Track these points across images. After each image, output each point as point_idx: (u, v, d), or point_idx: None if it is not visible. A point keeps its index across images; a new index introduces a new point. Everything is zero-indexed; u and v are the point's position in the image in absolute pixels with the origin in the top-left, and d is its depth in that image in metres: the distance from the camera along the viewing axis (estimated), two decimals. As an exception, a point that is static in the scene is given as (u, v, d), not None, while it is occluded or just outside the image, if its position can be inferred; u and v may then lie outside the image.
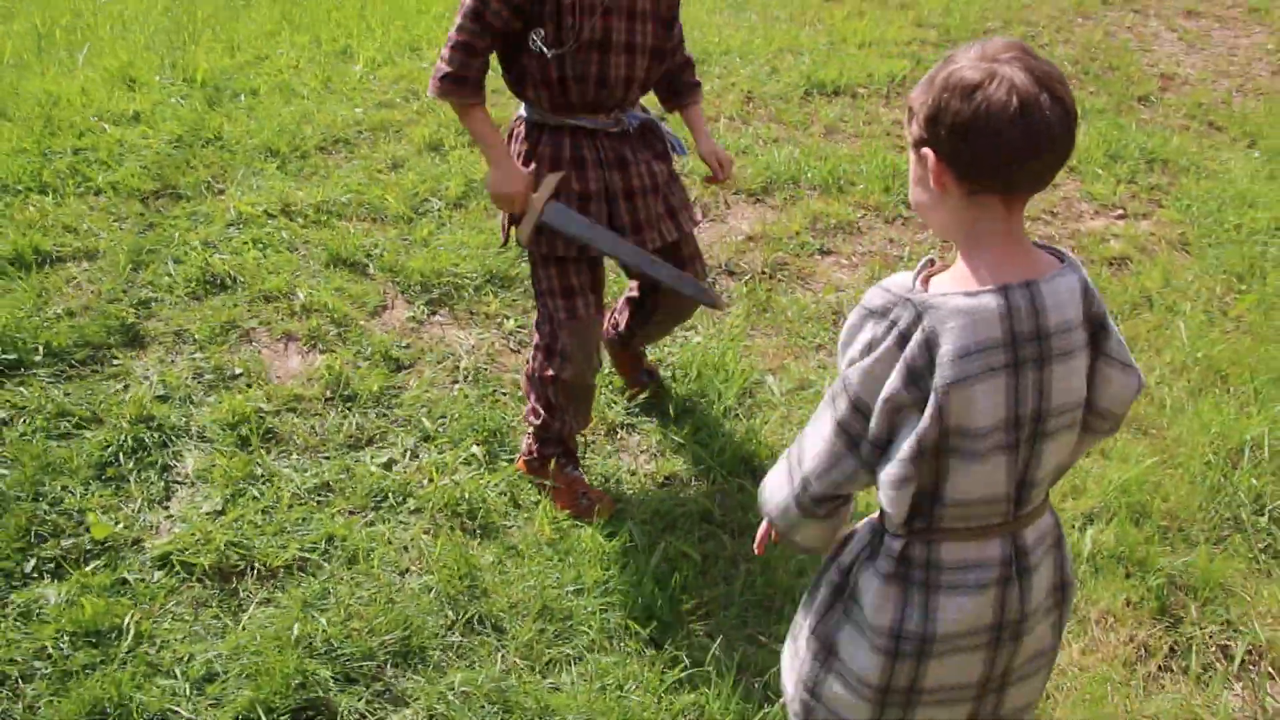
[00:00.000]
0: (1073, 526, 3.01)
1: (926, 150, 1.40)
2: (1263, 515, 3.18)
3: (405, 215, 4.14)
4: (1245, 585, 2.94)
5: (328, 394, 3.25)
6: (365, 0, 6.71)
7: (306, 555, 2.71)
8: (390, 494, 2.91)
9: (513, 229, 2.80)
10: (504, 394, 3.35)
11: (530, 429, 2.95)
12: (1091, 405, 1.51)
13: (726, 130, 5.07)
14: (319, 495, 2.91)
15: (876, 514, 1.61)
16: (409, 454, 3.07)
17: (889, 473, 1.44)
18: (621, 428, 3.26)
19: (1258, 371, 3.89)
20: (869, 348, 1.42)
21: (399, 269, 3.83)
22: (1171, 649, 2.72)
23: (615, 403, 3.34)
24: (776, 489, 1.59)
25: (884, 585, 1.56)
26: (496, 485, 2.96)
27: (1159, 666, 2.68)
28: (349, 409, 3.21)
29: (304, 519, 2.81)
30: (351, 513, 2.86)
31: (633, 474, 3.08)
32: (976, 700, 1.67)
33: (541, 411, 2.90)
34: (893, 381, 1.39)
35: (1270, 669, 2.71)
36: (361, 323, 3.58)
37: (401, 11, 6.39)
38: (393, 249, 3.93)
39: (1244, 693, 2.64)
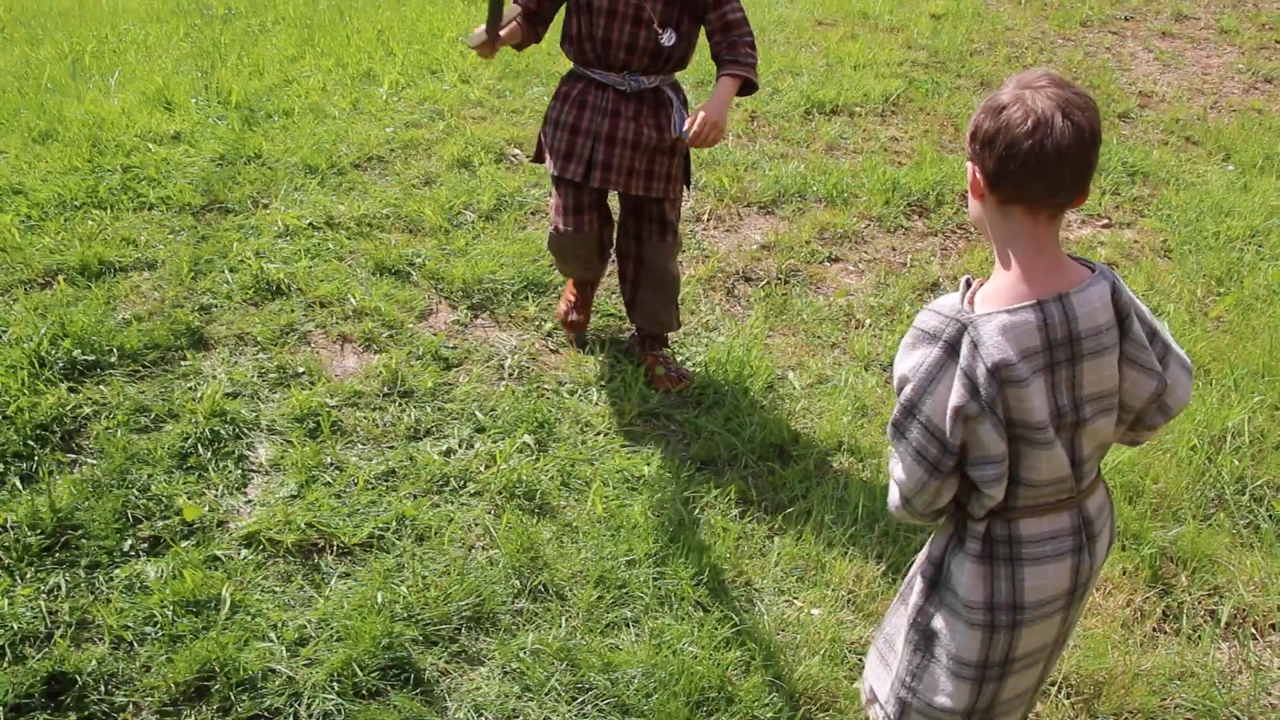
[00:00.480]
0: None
1: (969, 162, 1.66)
2: (1244, 494, 3.49)
3: (442, 227, 4.42)
4: (1230, 556, 3.24)
5: (385, 390, 3.52)
6: (383, 26, 6.99)
7: (381, 533, 2.97)
8: (452, 479, 3.18)
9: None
10: (548, 389, 3.62)
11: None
12: (1120, 398, 1.74)
13: (735, 147, 5.37)
14: (386, 480, 3.17)
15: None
16: (465, 444, 3.34)
17: (987, 473, 1.66)
18: (660, 415, 3.54)
19: (1236, 366, 4.20)
20: (926, 367, 1.64)
21: (441, 276, 4.10)
22: (1164, 613, 3.01)
23: (651, 396, 3.62)
24: (891, 497, 1.81)
25: (975, 564, 1.79)
26: (548, 470, 3.24)
27: (1154, 628, 2.97)
28: (406, 403, 3.48)
29: (374, 501, 3.08)
30: (418, 496, 3.12)
31: (672, 459, 3.36)
32: (1048, 660, 1.93)
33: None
34: (957, 393, 1.61)
35: (1254, 629, 3.01)
36: (410, 325, 3.85)
37: (418, 36, 6.68)
38: (434, 258, 4.20)
39: (1230, 650, 2.94)
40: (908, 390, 1.66)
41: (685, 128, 3.25)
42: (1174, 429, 3.72)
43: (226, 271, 4.03)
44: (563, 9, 3.41)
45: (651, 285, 3.63)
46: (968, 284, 1.69)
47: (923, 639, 1.90)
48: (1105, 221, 5.37)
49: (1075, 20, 8.35)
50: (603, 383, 3.68)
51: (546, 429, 3.43)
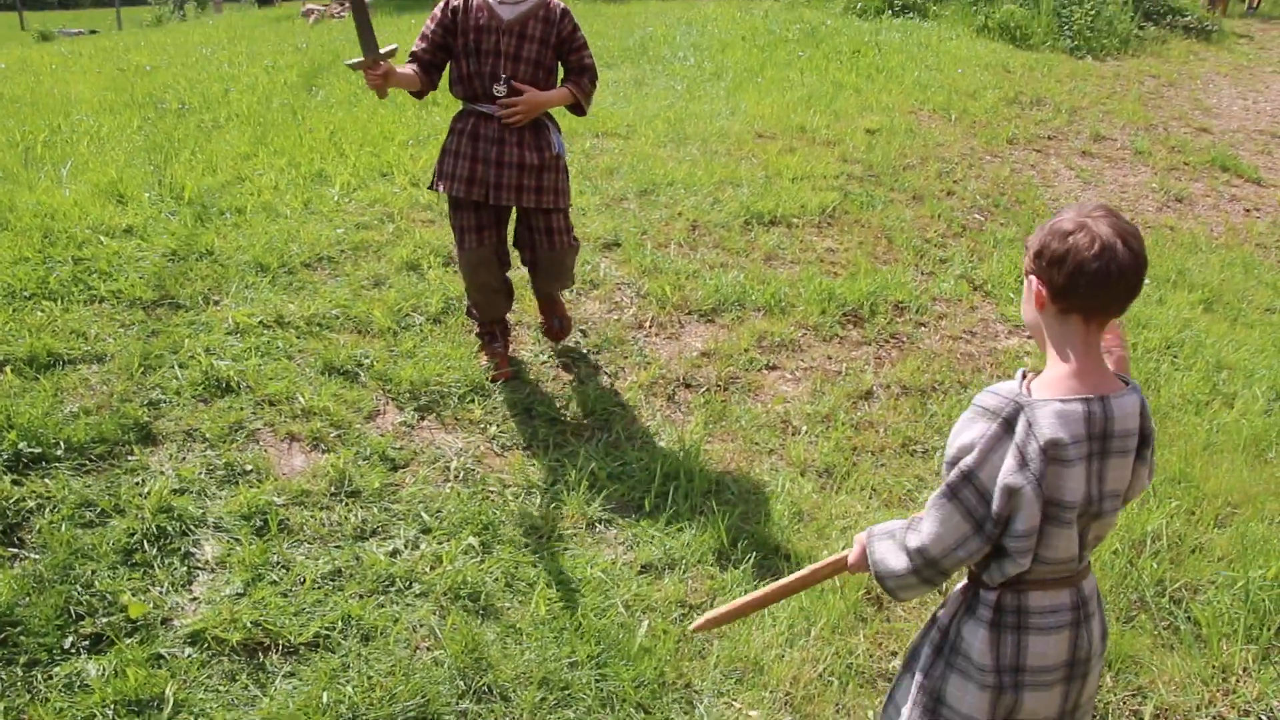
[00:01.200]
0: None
1: (1032, 277, 1.92)
2: (1164, 596, 3.67)
3: (391, 329, 4.52)
4: (1152, 657, 3.39)
5: (332, 489, 3.58)
6: (335, 127, 7.15)
7: (326, 633, 3.01)
8: (398, 579, 3.23)
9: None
10: (493, 491, 3.71)
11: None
12: (1124, 494, 2.00)
13: (677, 255, 5.57)
14: (333, 580, 3.22)
15: (965, 579, 2.08)
16: (411, 544, 3.41)
17: (1021, 545, 1.89)
18: (600, 522, 3.64)
19: (1155, 473, 4.42)
20: (986, 439, 1.87)
21: (389, 377, 4.19)
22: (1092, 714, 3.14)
23: (593, 500, 3.72)
24: (892, 562, 2.02)
25: (986, 631, 2.00)
26: (493, 572, 3.31)
27: (1075, 731, 3.10)
28: (353, 503, 3.54)
29: (320, 600, 3.12)
30: (364, 596, 3.17)
31: (613, 562, 3.45)
32: None
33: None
34: (1008, 466, 1.84)
35: (1170, 731, 3.15)
36: (358, 425, 3.93)
37: (370, 139, 6.85)
38: (382, 359, 4.29)
39: (1146, 753, 3.08)
40: (968, 458, 1.89)
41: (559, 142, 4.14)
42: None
43: (176, 367, 4.08)
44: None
45: (547, 276, 4.38)
46: (1024, 375, 1.95)
47: (931, 701, 2.10)
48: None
49: (1002, 138, 8.78)
50: (546, 486, 3.78)
51: (491, 530, 3.50)
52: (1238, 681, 3.38)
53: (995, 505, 1.86)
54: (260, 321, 4.45)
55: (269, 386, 4.03)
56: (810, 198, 6.51)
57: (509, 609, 3.20)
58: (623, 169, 6.67)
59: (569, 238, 4.31)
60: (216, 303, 4.60)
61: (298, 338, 4.38)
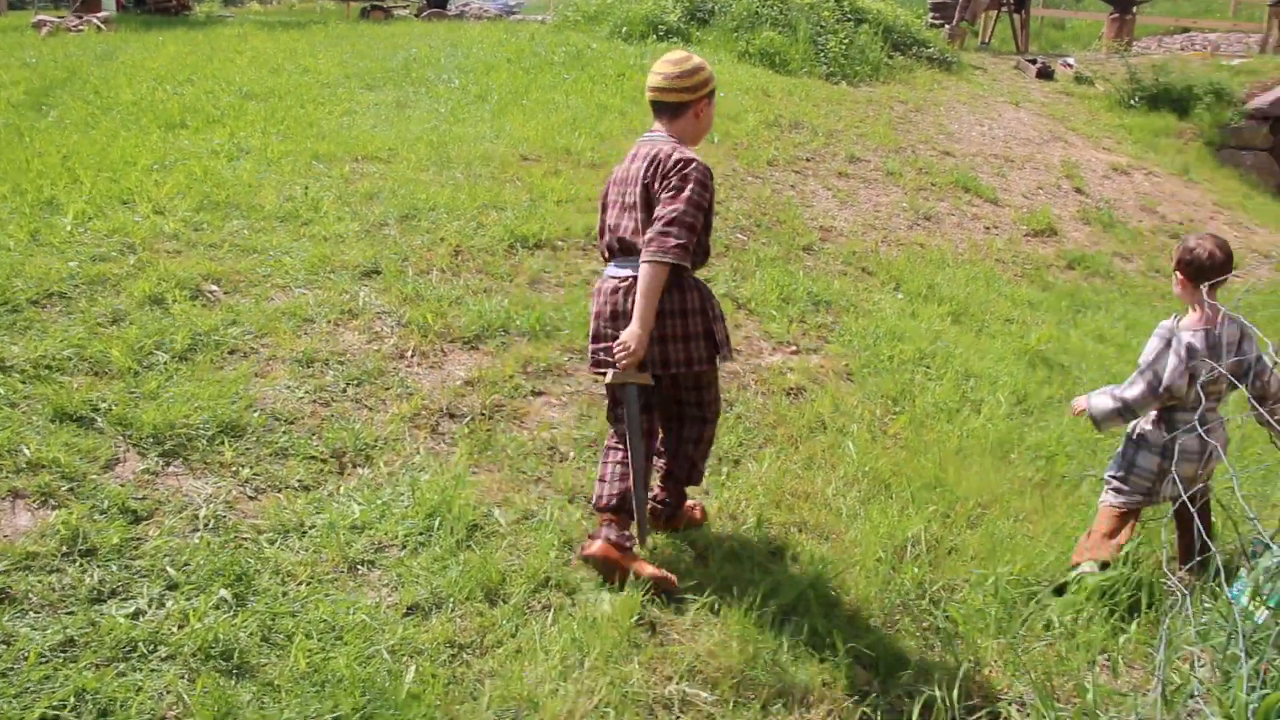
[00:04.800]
0: (771, 622, 3.52)
1: (1177, 270, 4.07)
2: (924, 598, 3.85)
3: (131, 369, 4.22)
4: (915, 657, 3.55)
5: (64, 549, 3.30)
6: (69, 151, 6.67)
7: (56, 713, 2.75)
8: (140, 644, 3.00)
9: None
10: (246, 538, 3.51)
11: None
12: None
13: (439, 281, 5.46)
14: (64, 651, 2.95)
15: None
16: (155, 603, 3.17)
17: (1178, 384, 3.90)
18: (362, 564, 3.51)
19: (913, 480, 4.65)
20: (1158, 349, 3.94)
21: (129, 421, 3.91)
22: (861, 716, 3.25)
23: (354, 541, 3.58)
24: (1103, 407, 4.05)
25: (1155, 429, 4.07)
26: (247, 626, 3.12)
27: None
28: (88, 563, 3.27)
29: (49, 676, 2.86)
30: (100, 665, 2.92)
31: (377, 605, 3.32)
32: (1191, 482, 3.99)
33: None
34: (1172, 361, 3.89)
35: (929, 727, 3.30)
36: (94, 476, 3.64)
37: (109, 164, 6.41)
38: (121, 402, 4.00)
39: (905, 752, 3.21)
40: (1148, 357, 3.97)
41: None
42: (862, 542, 4.06)
43: (-122, 423, 3.68)
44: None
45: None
46: (1175, 318, 4.05)
47: (1126, 464, 4.16)
48: (794, 348, 5.82)
49: (763, 160, 9.09)
50: (304, 529, 3.61)
51: (245, 581, 3.31)
52: (990, 672, 3.58)
53: (1166, 378, 3.90)
54: (-22, 367, 4.08)
55: (-11, 439, 3.69)
56: (575, 220, 6.53)
57: (265, 665, 3.03)
58: (383, 194, 6.50)
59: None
60: (-73, 349, 4.19)
61: (23, 383, 4.03)
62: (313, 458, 4.00)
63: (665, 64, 3.63)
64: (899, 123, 11.64)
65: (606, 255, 3.72)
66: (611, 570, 3.57)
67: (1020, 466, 5.14)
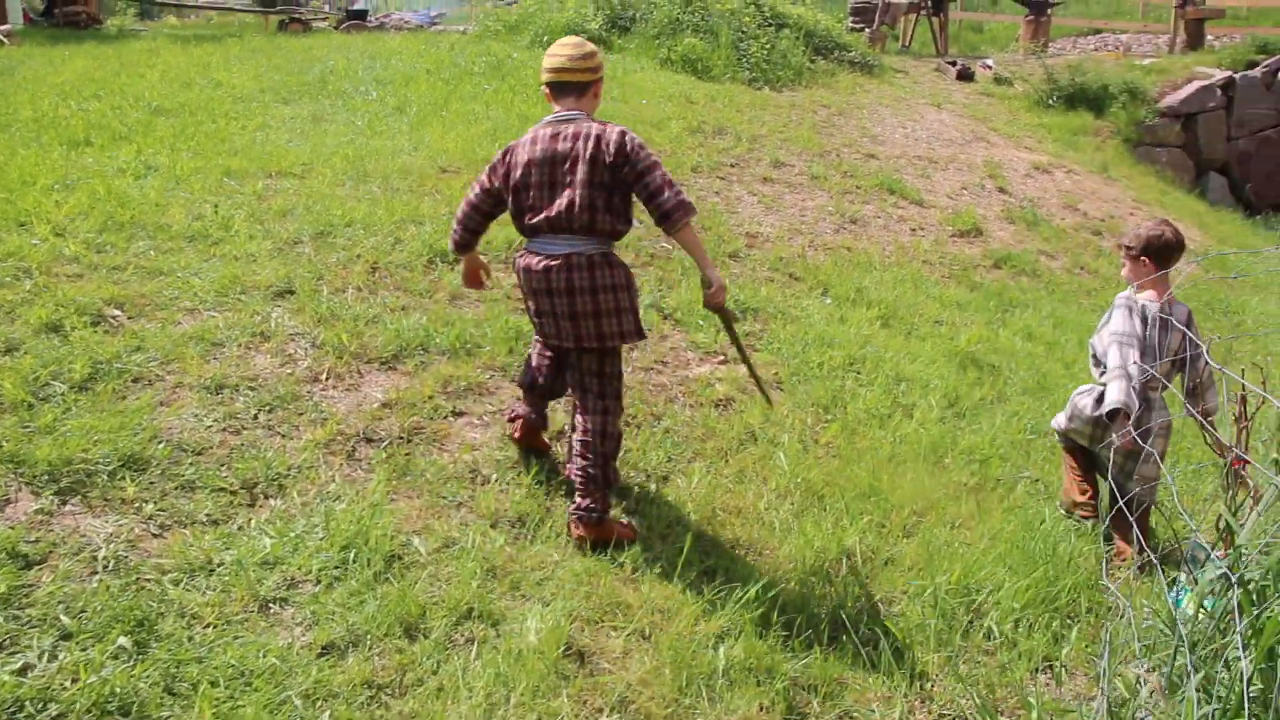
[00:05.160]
0: (705, 646, 3.41)
1: (1134, 250, 4.49)
2: (862, 614, 3.76)
3: (25, 401, 3.99)
4: (855, 676, 3.47)
5: (-52, 600, 3.09)
6: (-41, 172, 6.37)
7: (-64, 777, 2.56)
8: (28, 702, 2.80)
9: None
10: (149, 580, 3.32)
11: (608, 487, 3.98)
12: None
13: (355, 299, 5.28)
14: (-55, 711, 2.75)
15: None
16: (46, 656, 2.97)
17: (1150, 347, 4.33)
18: (274, 602, 3.33)
19: (846, 490, 4.57)
20: (1125, 316, 4.27)
21: (21, 458, 3.69)
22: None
23: (266, 578, 3.40)
24: (1123, 396, 4.10)
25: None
26: (149, 676, 2.94)
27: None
28: (-26, 614, 3.06)
29: (-71, 738, 2.66)
30: (-15, 725, 2.73)
31: (290, 647, 3.15)
32: None
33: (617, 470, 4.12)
34: (1137, 325, 4.27)
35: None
36: (-18, 520, 3.42)
37: (4, 184, 6.11)
38: (13, 438, 3.78)
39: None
40: (1125, 325, 4.28)
41: None
42: (796, 557, 3.98)
43: None
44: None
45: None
46: (1134, 289, 4.41)
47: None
48: (722, 358, 5.72)
49: (687, 167, 9.01)
50: (211, 567, 3.43)
51: (147, 627, 3.12)
52: (933, 687, 3.50)
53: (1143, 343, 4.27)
54: None
55: None
56: (496, 233, 6.37)
57: (168, 718, 2.85)
58: (298, 210, 6.30)
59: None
60: None
61: (-95, 422, 3.79)
62: (222, 490, 3.81)
63: (565, 46, 3.89)
64: (823, 127, 11.64)
65: (529, 234, 3.89)
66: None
67: (954, 471, 5.10)
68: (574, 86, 3.87)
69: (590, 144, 3.72)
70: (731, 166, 9.45)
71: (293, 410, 4.32)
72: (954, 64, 17.04)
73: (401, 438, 4.30)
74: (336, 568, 3.50)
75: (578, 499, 3.90)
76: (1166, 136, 15.77)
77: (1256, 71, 16.61)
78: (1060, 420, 4.76)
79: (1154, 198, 13.41)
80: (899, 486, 4.75)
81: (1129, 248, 4.53)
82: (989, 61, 18.00)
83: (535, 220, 3.80)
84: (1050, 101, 15.63)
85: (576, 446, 3.94)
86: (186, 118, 8.71)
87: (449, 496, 4.02)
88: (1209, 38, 19.51)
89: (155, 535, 3.55)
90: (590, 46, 3.91)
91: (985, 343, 6.96)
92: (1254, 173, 16.32)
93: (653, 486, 4.39)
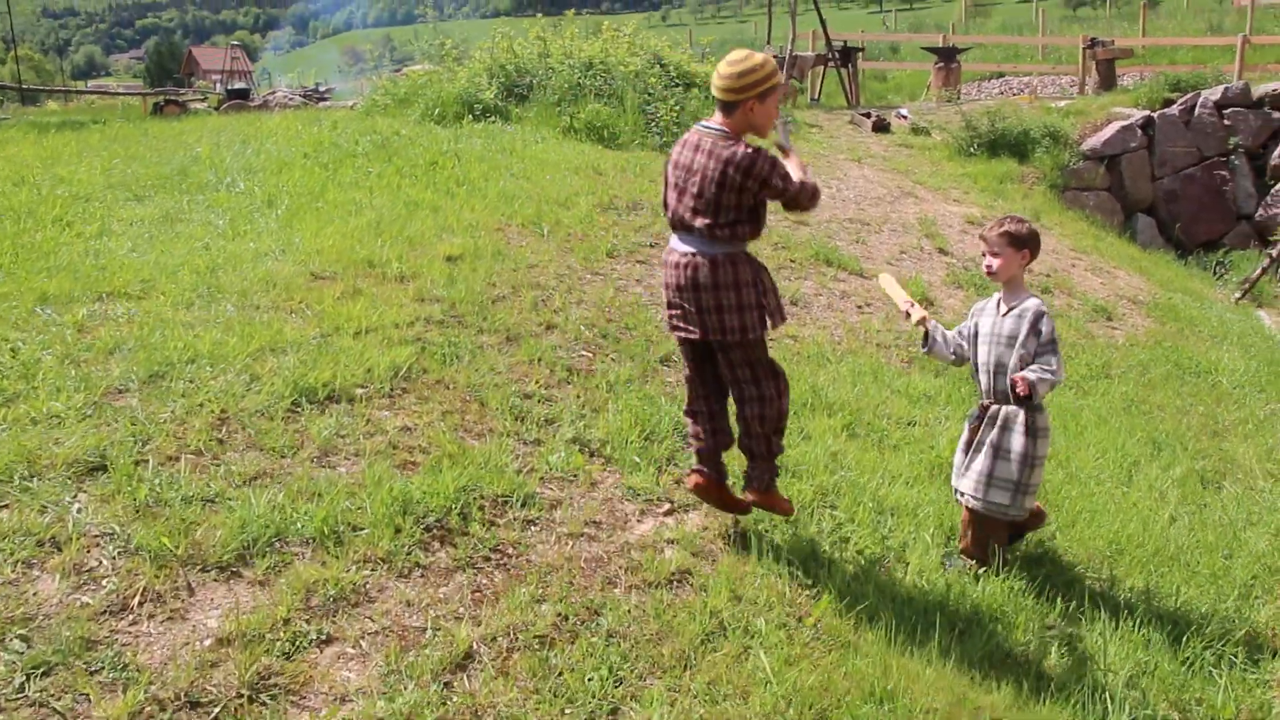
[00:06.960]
0: None
1: (1016, 249, 4.43)
2: None
3: None
4: None
5: None
6: None
7: None
8: None
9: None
10: None
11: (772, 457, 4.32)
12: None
13: (191, 472, 4.02)
14: None
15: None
16: None
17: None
18: None
19: (853, 698, 3.45)
20: (1052, 321, 4.40)
21: None
22: None
23: None
24: (1044, 389, 4.29)
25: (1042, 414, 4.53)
26: None
27: None
28: None
29: None
30: None
31: None
32: None
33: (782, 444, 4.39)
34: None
35: None
36: None
37: None
38: None
39: None
40: (1053, 331, 4.36)
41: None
42: None
43: None
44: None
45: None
46: (1038, 297, 4.56)
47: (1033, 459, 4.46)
48: (667, 506, 4.59)
49: (601, 251, 7.94)
50: None
51: None
52: None
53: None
54: None
55: None
56: (378, 357, 5.18)
57: None
58: (127, 345, 5.01)
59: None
60: None
61: None
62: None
63: (724, 64, 4.00)
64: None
65: (674, 227, 4.13)
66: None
67: (975, 638, 4.01)
68: (722, 105, 4.04)
69: (717, 162, 3.92)
70: (651, 247, 8.37)
71: (82, 668, 3.03)
72: (868, 115, 16.35)
73: (242, 694, 3.04)
74: None
75: (749, 468, 4.33)
76: (1092, 180, 15.22)
77: (1174, 109, 16.22)
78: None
79: (1090, 244, 12.73)
80: (916, 677, 3.64)
81: (1013, 235, 4.41)
82: (904, 111, 17.36)
83: (672, 216, 4.11)
84: (972, 149, 14.98)
85: (741, 425, 4.25)
86: (7, 225, 7.35)
87: (307, 797, 2.79)
88: (1120, 76, 19.22)
89: None
90: (746, 65, 3.96)
91: (967, 444, 5.92)
92: (1181, 212, 15.84)
93: (597, 727, 3.20)
